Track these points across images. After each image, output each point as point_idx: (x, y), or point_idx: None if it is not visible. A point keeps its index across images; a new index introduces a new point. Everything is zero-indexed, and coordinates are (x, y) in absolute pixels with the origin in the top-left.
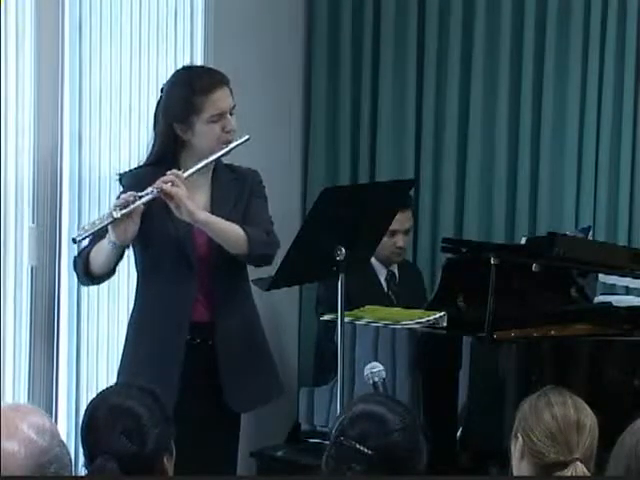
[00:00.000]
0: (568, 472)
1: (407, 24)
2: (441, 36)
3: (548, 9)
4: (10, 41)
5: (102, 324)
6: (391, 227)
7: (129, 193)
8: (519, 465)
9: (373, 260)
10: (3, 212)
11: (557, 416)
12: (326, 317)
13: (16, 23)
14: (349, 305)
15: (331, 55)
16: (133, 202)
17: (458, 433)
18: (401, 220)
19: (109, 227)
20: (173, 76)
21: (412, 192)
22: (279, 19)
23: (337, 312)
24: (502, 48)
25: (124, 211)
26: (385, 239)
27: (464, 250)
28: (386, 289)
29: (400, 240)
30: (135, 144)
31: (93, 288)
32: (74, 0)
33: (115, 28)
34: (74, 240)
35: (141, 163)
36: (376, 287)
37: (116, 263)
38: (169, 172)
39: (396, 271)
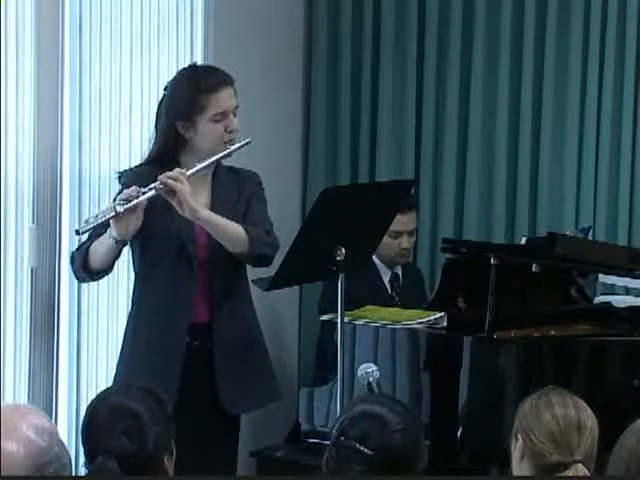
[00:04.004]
0: (569, 473)
1: (407, 24)
2: (441, 36)
3: (548, 9)
4: (10, 41)
5: (102, 324)
6: (395, 228)
7: (132, 188)
8: (519, 465)
9: (377, 261)
10: (3, 212)
11: (558, 417)
12: (326, 317)
13: (16, 23)
14: (352, 306)
15: (331, 55)
16: (136, 197)
17: (458, 433)
18: (405, 221)
19: (111, 222)
20: (178, 74)
21: (412, 192)
22: (279, 19)
23: (337, 312)
24: (502, 48)
25: (127, 206)
26: (389, 240)
27: (464, 250)
28: (390, 290)
29: (405, 241)
30: (135, 144)
31: (93, 288)
32: (74, 0)
33: (115, 28)
34: (77, 232)
35: (141, 162)
36: (380, 288)
37: (115, 259)
38: (174, 170)
39: (400, 273)
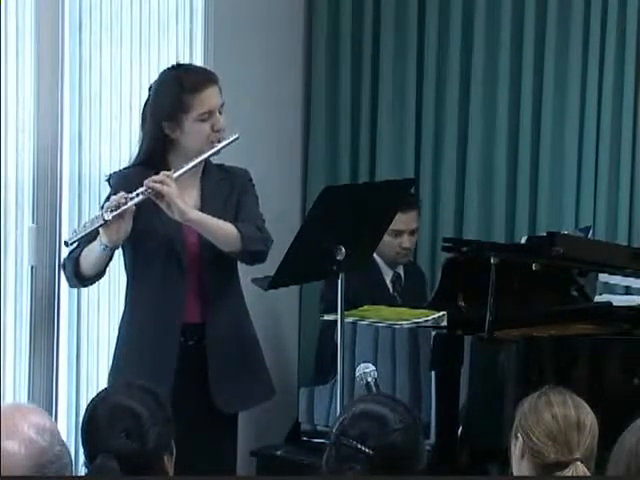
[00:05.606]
0: (568, 472)
1: (407, 24)
2: (441, 36)
3: (548, 9)
4: (10, 41)
5: (102, 324)
6: (396, 227)
7: (119, 194)
8: (519, 465)
9: (379, 261)
10: (3, 212)
11: (557, 416)
12: (326, 317)
13: (16, 23)
14: (354, 305)
15: (331, 55)
16: (124, 203)
17: (458, 432)
18: (406, 221)
19: (100, 230)
20: (161, 75)
21: (413, 191)
22: (279, 19)
23: (337, 311)
24: (502, 48)
25: (115, 213)
26: (390, 239)
27: (464, 250)
28: (391, 290)
29: (406, 241)
30: (135, 144)
31: (93, 287)
32: (74, 0)
33: (115, 28)
34: (66, 243)
35: (129, 164)
36: (381, 288)
37: (107, 265)
38: (160, 173)
39: (402, 272)
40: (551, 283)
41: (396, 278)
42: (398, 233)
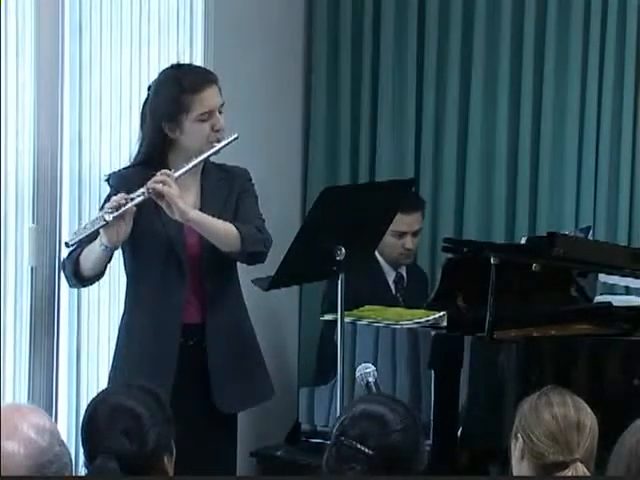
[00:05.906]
0: (568, 472)
1: (407, 24)
2: (441, 35)
3: (548, 9)
4: (10, 41)
5: (102, 324)
6: (400, 228)
7: (120, 195)
8: (519, 465)
9: (382, 261)
10: (3, 212)
11: (557, 416)
12: (327, 317)
13: (16, 23)
14: (356, 306)
15: (331, 55)
16: (125, 204)
17: (458, 433)
18: (410, 222)
19: (100, 230)
20: (161, 74)
21: (413, 192)
22: (279, 19)
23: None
24: (502, 47)
25: (116, 213)
26: (393, 240)
27: (464, 250)
28: (394, 291)
29: (409, 242)
30: (135, 144)
31: (93, 287)
32: (74, 0)
33: (115, 29)
34: (67, 244)
35: (129, 163)
36: (384, 289)
37: (106, 265)
38: (160, 172)
39: (404, 273)
40: (551, 283)
41: (399, 279)
42: (401, 234)
